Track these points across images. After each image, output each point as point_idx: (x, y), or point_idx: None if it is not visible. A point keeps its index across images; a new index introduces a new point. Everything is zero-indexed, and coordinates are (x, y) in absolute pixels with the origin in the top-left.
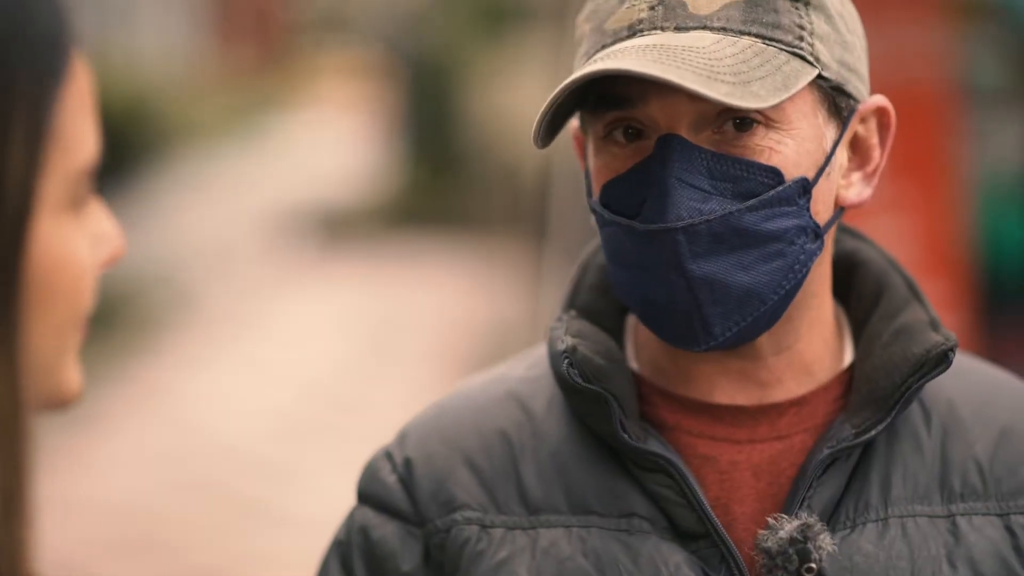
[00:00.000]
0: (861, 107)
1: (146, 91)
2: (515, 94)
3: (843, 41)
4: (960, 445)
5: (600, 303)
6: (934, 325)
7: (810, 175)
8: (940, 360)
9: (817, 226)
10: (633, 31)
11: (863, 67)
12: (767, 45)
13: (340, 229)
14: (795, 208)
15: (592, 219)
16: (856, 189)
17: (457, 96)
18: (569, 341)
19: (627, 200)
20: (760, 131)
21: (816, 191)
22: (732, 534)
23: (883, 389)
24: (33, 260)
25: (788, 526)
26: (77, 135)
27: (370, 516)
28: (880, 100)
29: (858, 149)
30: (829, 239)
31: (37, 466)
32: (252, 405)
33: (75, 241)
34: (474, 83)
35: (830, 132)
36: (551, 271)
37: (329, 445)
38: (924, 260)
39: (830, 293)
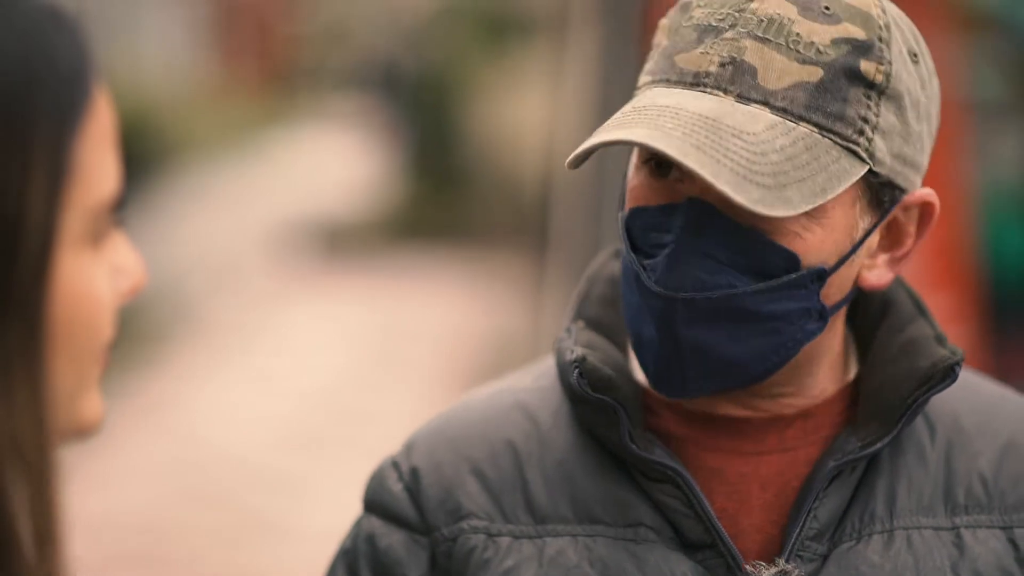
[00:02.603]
0: (908, 198)
1: (148, 105)
2: (516, 107)
3: (907, 133)
4: (964, 458)
5: (608, 315)
6: (940, 340)
7: (830, 263)
8: (946, 374)
9: (824, 308)
10: (697, 81)
11: (923, 156)
12: (823, 136)
13: (342, 242)
14: (804, 292)
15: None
16: (879, 272)
17: (459, 109)
18: (579, 351)
19: (648, 236)
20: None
21: (833, 277)
22: (739, 544)
23: (889, 402)
24: (54, 295)
25: (765, 573)
26: (98, 170)
27: (377, 525)
28: (928, 196)
29: (892, 233)
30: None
31: (66, 495)
32: (257, 417)
33: (95, 275)
34: (475, 96)
35: (865, 221)
36: (552, 284)
37: (334, 456)
38: (928, 273)
39: (842, 324)
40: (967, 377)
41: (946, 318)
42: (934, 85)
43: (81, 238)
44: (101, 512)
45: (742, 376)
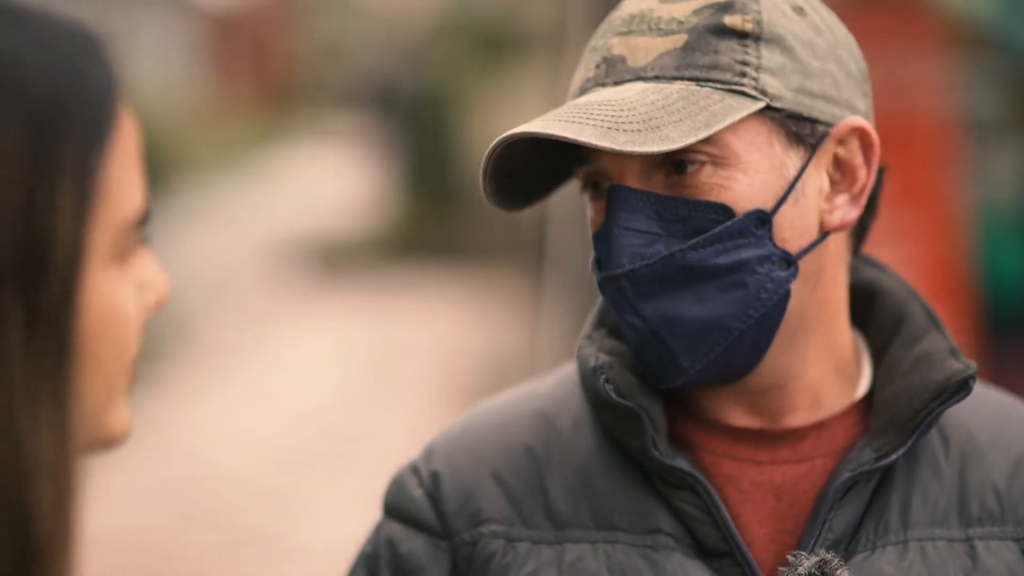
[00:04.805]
0: (835, 130)
1: (145, 123)
2: (513, 124)
3: (804, 69)
4: (978, 470)
5: None
6: (954, 353)
7: (768, 205)
8: (960, 387)
9: (786, 253)
10: (583, 90)
11: (841, 92)
12: (701, 86)
13: (339, 260)
14: (752, 239)
15: None
16: (841, 212)
17: (455, 126)
18: (603, 358)
19: (601, 249)
20: (707, 170)
21: (779, 219)
22: (753, 553)
23: (904, 415)
24: (82, 311)
25: (807, 563)
26: (124, 188)
27: (397, 530)
28: (855, 121)
29: (844, 171)
30: (838, 265)
31: (84, 512)
32: (253, 435)
33: (122, 291)
34: (472, 113)
35: (792, 160)
36: (549, 301)
37: (330, 474)
38: (925, 288)
39: (844, 320)
40: (980, 390)
41: None
42: (837, 33)
43: (108, 255)
44: (99, 531)
45: (726, 338)
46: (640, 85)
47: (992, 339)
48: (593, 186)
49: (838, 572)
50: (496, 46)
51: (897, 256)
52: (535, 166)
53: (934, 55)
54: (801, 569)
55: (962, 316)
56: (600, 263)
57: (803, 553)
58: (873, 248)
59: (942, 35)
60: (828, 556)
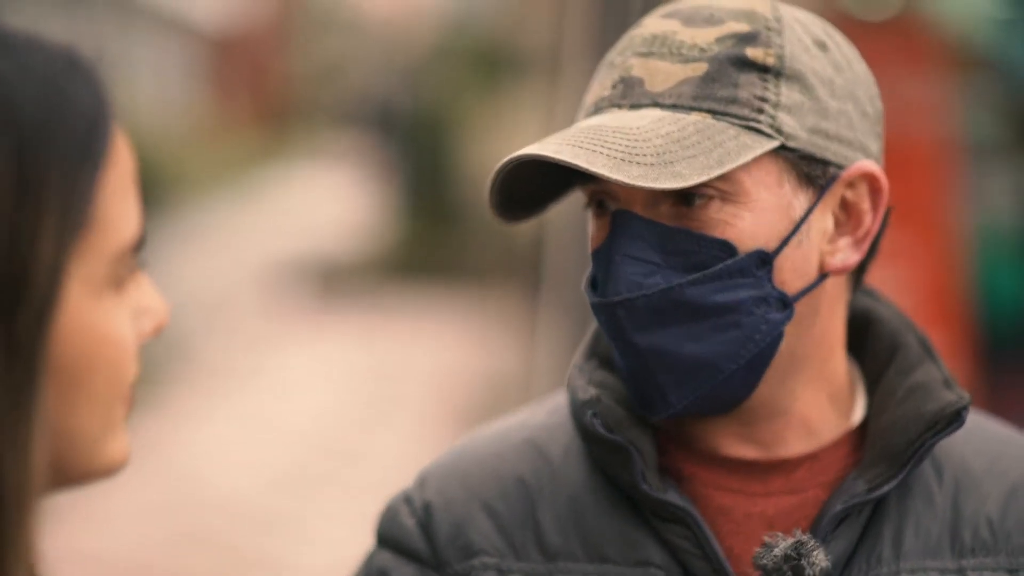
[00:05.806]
0: (845, 172)
1: (142, 143)
2: (510, 146)
3: (822, 109)
4: (972, 500)
5: None
6: (948, 384)
7: (771, 246)
8: (953, 418)
9: (783, 295)
10: (597, 108)
11: (855, 133)
12: (717, 120)
13: (336, 281)
14: (752, 279)
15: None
16: (843, 255)
17: (452, 148)
18: (592, 391)
19: (599, 271)
20: (715, 204)
21: (781, 260)
22: None
23: (897, 446)
24: (73, 340)
25: (783, 544)
26: (118, 215)
27: (388, 559)
28: (867, 166)
29: (850, 214)
30: (836, 304)
31: (36, 550)
32: (250, 457)
33: (116, 318)
34: (469, 135)
35: (800, 200)
36: (546, 323)
37: (327, 496)
38: (921, 311)
39: (840, 354)
40: (974, 419)
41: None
42: (856, 71)
43: (102, 283)
44: (95, 552)
45: (716, 377)
46: (656, 112)
47: (989, 361)
48: (598, 204)
49: (814, 553)
50: (494, 68)
51: (894, 279)
52: (539, 181)
53: (931, 77)
54: (777, 550)
55: (959, 338)
56: (596, 283)
57: (779, 534)
58: (869, 271)
59: (939, 57)
60: (804, 538)
